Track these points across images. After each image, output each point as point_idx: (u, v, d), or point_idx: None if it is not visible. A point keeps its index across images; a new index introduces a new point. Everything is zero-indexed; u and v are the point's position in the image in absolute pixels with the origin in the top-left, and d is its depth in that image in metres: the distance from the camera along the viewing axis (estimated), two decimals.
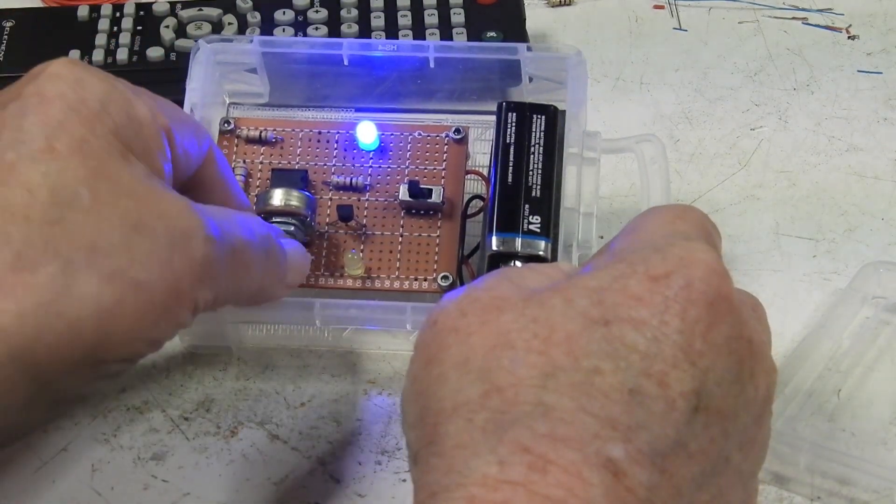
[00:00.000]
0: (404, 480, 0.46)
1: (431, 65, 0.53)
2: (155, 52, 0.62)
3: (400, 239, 0.50)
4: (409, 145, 0.52)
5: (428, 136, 0.52)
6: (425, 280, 0.49)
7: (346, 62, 0.53)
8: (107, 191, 0.34)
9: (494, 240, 0.46)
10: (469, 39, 0.62)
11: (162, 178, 0.38)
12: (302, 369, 0.51)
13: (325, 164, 0.51)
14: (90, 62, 0.62)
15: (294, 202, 0.48)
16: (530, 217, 0.46)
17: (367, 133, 0.51)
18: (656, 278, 0.32)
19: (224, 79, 0.54)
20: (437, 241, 0.50)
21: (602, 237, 0.52)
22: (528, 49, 0.52)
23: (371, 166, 0.51)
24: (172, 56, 0.62)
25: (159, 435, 0.48)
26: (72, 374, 0.33)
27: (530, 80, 0.53)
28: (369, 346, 0.51)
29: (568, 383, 0.30)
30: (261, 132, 0.52)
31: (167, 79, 0.55)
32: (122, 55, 0.62)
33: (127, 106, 0.37)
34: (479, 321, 0.33)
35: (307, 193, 0.49)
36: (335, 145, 0.52)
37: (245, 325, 0.51)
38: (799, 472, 0.45)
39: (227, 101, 0.55)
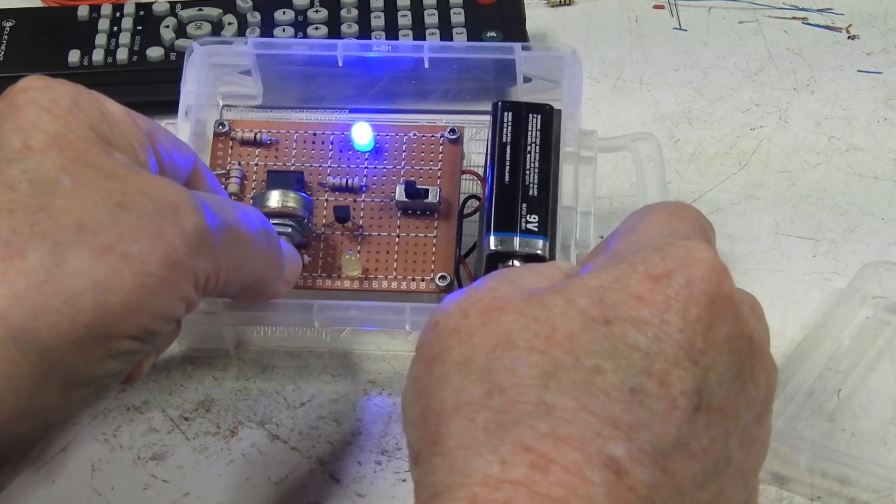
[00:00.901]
0: (404, 480, 0.46)
1: (426, 65, 0.53)
2: (155, 52, 0.62)
3: (397, 239, 0.50)
4: (404, 146, 0.52)
5: (423, 136, 0.52)
6: (423, 280, 0.49)
7: (340, 63, 0.53)
8: (88, 175, 0.35)
9: (492, 239, 0.46)
10: (469, 39, 0.62)
11: (146, 169, 0.38)
12: (302, 369, 0.51)
13: (320, 166, 0.51)
14: (90, 62, 0.62)
15: (291, 203, 0.48)
16: (528, 216, 0.46)
17: (362, 134, 0.51)
18: (657, 278, 0.32)
19: (218, 81, 0.54)
20: (434, 241, 0.50)
21: (602, 237, 0.52)
22: (524, 48, 0.52)
23: (366, 167, 0.51)
24: (172, 56, 0.62)
25: (159, 435, 0.48)
26: (79, 351, 0.33)
27: (525, 79, 0.53)
28: (367, 347, 0.51)
29: (569, 382, 0.30)
30: (255, 134, 0.52)
31: (167, 79, 0.55)
32: (122, 55, 0.62)
33: (98, 104, 0.37)
34: (480, 322, 0.33)
35: (304, 195, 0.49)
36: (330, 146, 0.52)
37: (243, 327, 0.51)
38: (799, 472, 0.45)
39: (221, 104, 0.55)
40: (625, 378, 0.31)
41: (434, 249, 0.50)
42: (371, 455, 0.47)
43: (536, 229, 0.46)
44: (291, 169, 0.51)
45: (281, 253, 0.43)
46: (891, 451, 0.47)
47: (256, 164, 0.52)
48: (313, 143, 0.52)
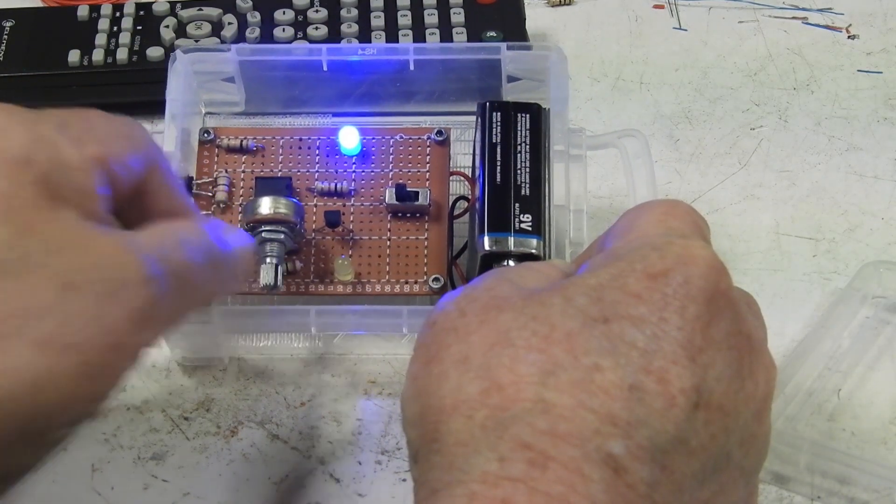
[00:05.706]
0: (404, 480, 0.46)
1: (412, 67, 0.53)
2: (155, 52, 0.62)
3: (388, 243, 0.50)
4: (391, 149, 0.51)
5: (410, 138, 0.52)
6: (416, 283, 0.49)
7: (325, 68, 0.53)
8: (35, 249, 0.32)
9: (487, 240, 0.46)
10: (469, 39, 0.62)
11: (96, 219, 0.34)
12: (302, 369, 0.51)
13: (308, 171, 0.51)
14: (90, 62, 0.62)
15: (283, 210, 0.48)
16: (521, 216, 0.46)
17: (349, 138, 0.51)
18: (655, 276, 0.32)
19: (201, 88, 0.54)
20: (426, 243, 0.50)
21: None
22: (509, 48, 0.52)
23: (354, 171, 0.51)
24: None
25: (159, 435, 0.48)
26: (12, 449, 0.31)
27: (511, 79, 0.53)
28: (361, 351, 0.51)
29: (568, 380, 0.30)
30: (241, 141, 0.52)
31: (166, 78, 0.55)
32: (122, 55, 0.62)
33: (52, 151, 0.34)
34: (478, 320, 0.33)
35: (294, 200, 0.48)
36: (317, 151, 0.52)
37: (237, 335, 0.50)
38: (799, 471, 0.45)
39: (203, 111, 0.54)
40: (623, 376, 0.31)
41: (426, 252, 0.49)
42: (371, 455, 0.47)
43: (530, 229, 0.46)
44: (279, 175, 0.51)
45: (228, 264, 0.39)
46: (891, 451, 0.47)
47: (243, 172, 0.51)
48: (300, 148, 0.52)
